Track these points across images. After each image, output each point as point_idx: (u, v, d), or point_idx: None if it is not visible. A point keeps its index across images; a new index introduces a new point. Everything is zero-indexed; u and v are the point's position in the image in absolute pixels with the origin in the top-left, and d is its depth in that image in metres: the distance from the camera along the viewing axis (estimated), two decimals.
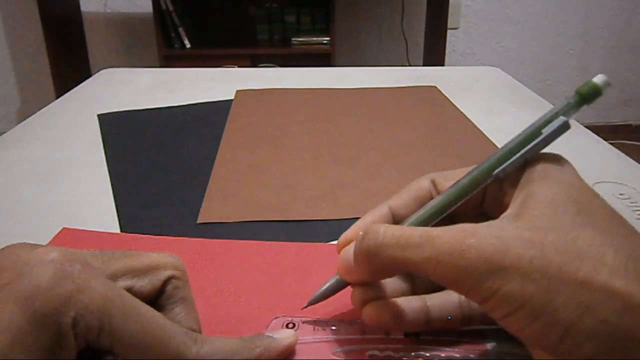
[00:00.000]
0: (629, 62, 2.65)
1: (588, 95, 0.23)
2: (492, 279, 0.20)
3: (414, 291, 0.27)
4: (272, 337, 0.24)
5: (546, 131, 0.23)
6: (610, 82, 0.23)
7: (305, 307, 0.27)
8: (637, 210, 0.42)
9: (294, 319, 0.28)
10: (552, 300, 0.19)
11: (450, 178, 0.26)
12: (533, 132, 0.24)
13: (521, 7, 2.52)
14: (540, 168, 0.23)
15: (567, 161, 0.24)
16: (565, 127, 0.23)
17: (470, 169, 0.26)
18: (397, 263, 0.22)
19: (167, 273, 0.23)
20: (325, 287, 0.27)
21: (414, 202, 0.27)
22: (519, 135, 0.24)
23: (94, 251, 0.22)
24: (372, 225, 0.23)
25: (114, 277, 0.22)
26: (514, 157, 0.24)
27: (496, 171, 0.24)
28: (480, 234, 0.21)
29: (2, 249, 0.21)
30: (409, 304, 0.25)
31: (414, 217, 0.25)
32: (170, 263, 0.24)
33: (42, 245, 0.21)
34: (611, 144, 0.56)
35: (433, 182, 0.27)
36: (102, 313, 0.19)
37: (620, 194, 0.44)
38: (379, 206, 0.27)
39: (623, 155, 0.53)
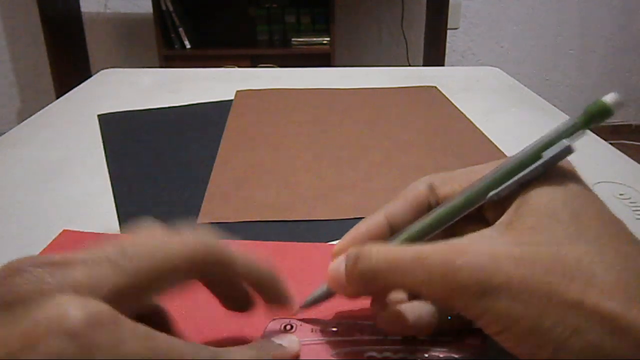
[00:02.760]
0: (629, 62, 2.65)
1: (597, 115, 0.22)
2: (483, 299, 0.20)
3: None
4: (281, 345, 0.24)
5: (547, 155, 0.22)
6: (622, 101, 0.22)
7: (295, 313, 0.27)
8: (637, 211, 0.42)
9: (291, 320, 0.27)
10: (541, 322, 0.19)
11: (449, 182, 0.26)
12: (533, 155, 0.23)
13: (521, 7, 2.52)
14: None
15: (569, 163, 0.24)
16: (567, 151, 0.22)
17: (467, 170, 0.26)
18: (391, 286, 0.24)
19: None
20: (316, 294, 0.27)
21: (410, 208, 0.26)
22: (519, 154, 0.23)
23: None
24: (362, 248, 0.23)
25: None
26: (510, 181, 0.23)
27: (490, 194, 0.23)
28: (470, 252, 0.21)
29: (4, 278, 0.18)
30: (421, 308, 0.25)
31: (406, 233, 0.25)
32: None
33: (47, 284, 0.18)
34: (611, 144, 0.56)
35: (431, 186, 0.27)
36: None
37: (620, 194, 0.44)
38: (375, 214, 0.27)
39: (623, 155, 0.53)
